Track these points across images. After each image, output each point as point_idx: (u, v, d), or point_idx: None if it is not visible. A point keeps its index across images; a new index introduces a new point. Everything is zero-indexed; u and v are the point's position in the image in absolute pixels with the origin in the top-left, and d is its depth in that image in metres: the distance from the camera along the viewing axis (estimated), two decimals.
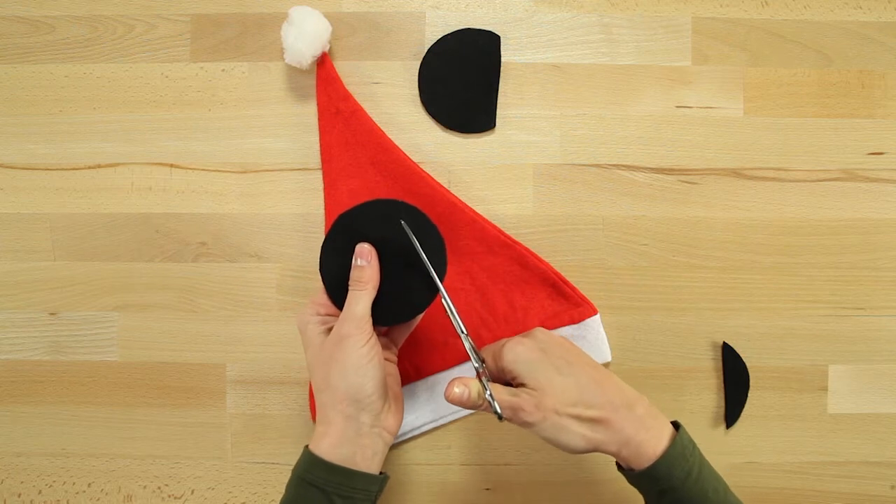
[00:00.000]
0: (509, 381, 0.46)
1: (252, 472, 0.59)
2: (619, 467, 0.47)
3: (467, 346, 0.45)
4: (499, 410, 0.43)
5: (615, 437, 0.44)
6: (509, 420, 0.44)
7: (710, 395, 0.59)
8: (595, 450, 0.44)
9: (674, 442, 0.44)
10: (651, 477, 0.44)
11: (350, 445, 0.45)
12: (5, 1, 0.59)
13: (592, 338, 0.57)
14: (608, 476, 0.58)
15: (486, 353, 0.47)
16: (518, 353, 0.45)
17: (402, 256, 0.47)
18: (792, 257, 0.59)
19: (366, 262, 0.46)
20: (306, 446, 0.46)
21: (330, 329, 0.47)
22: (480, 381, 0.44)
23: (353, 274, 0.46)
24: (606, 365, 0.58)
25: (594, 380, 0.45)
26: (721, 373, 0.58)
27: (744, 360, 0.58)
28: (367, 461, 0.45)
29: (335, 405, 0.45)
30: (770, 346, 0.59)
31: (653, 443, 0.44)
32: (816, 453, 0.59)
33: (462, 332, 0.45)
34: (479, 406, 0.44)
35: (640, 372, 0.58)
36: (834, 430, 0.59)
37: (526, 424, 0.44)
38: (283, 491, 0.46)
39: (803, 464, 0.59)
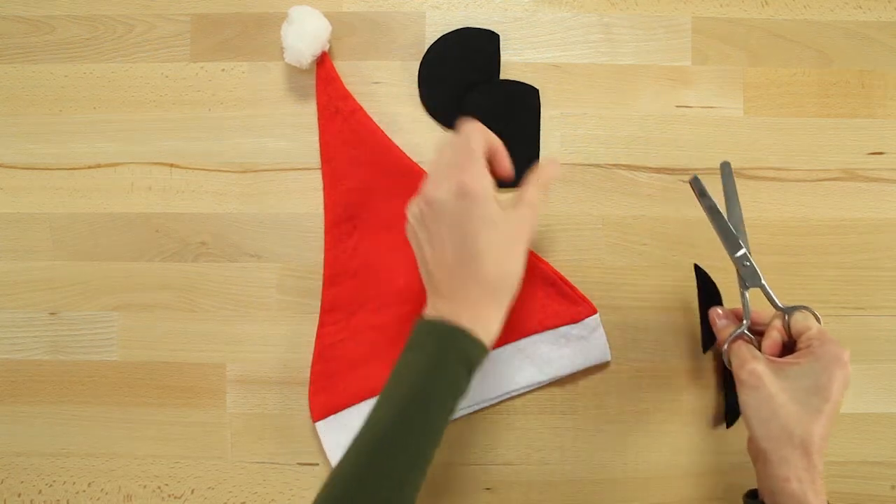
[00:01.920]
0: (794, 342, 0.47)
1: (252, 472, 0.59)
2: (750, 496, 0.46)
3: (744, 300, 0.50)
4: (727, 361, 0.49)
5: (801, 463, 0.43)
6: (729, 366, 0.49)
7: (710, 394, 0.58)
8: (765, 453, 0.44)
9: None
10: None
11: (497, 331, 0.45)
12: (5, 1, 0.59)
13: (592, 337, 0.57)
14: (608, 476, 0.58)
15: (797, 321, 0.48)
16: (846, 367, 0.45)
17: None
18: (792, 257, 0.59)
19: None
20: (466, 330, 0.42)
21: None
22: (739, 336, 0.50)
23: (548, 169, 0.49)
24: (605, 365, 0.58)
25: (831, 420, 0.44)
26: (721, 373, 0.58)
27: None
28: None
29: (509, 291, 0.44)
30: None
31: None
32: None
33: (745, 286, 0.50)
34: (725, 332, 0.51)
35: (640, 372, 0.58)
36: (834, 430, 0.59)
37: (740, 381, 0.46)
38: (430, 363, 0.42)
39: None
